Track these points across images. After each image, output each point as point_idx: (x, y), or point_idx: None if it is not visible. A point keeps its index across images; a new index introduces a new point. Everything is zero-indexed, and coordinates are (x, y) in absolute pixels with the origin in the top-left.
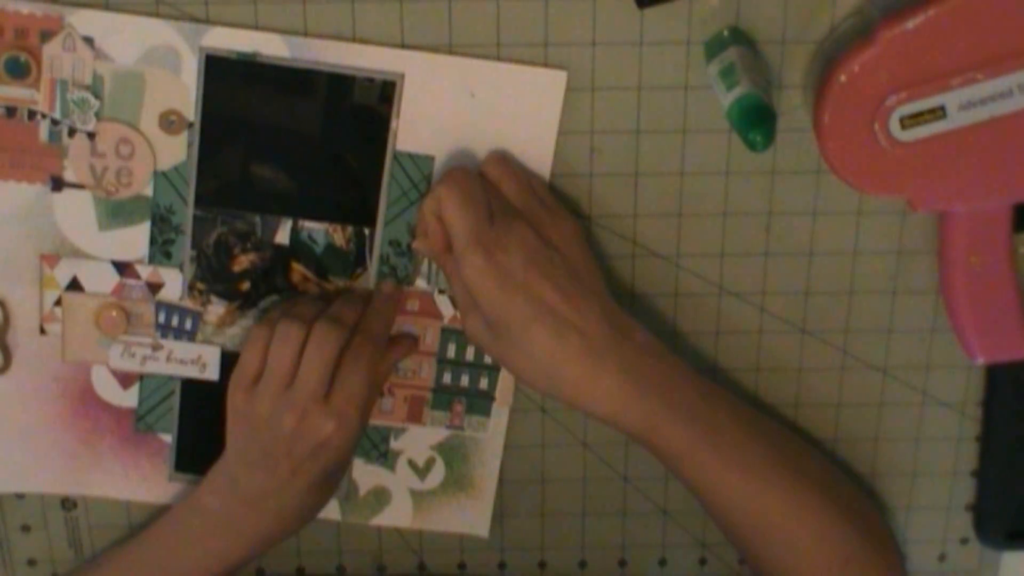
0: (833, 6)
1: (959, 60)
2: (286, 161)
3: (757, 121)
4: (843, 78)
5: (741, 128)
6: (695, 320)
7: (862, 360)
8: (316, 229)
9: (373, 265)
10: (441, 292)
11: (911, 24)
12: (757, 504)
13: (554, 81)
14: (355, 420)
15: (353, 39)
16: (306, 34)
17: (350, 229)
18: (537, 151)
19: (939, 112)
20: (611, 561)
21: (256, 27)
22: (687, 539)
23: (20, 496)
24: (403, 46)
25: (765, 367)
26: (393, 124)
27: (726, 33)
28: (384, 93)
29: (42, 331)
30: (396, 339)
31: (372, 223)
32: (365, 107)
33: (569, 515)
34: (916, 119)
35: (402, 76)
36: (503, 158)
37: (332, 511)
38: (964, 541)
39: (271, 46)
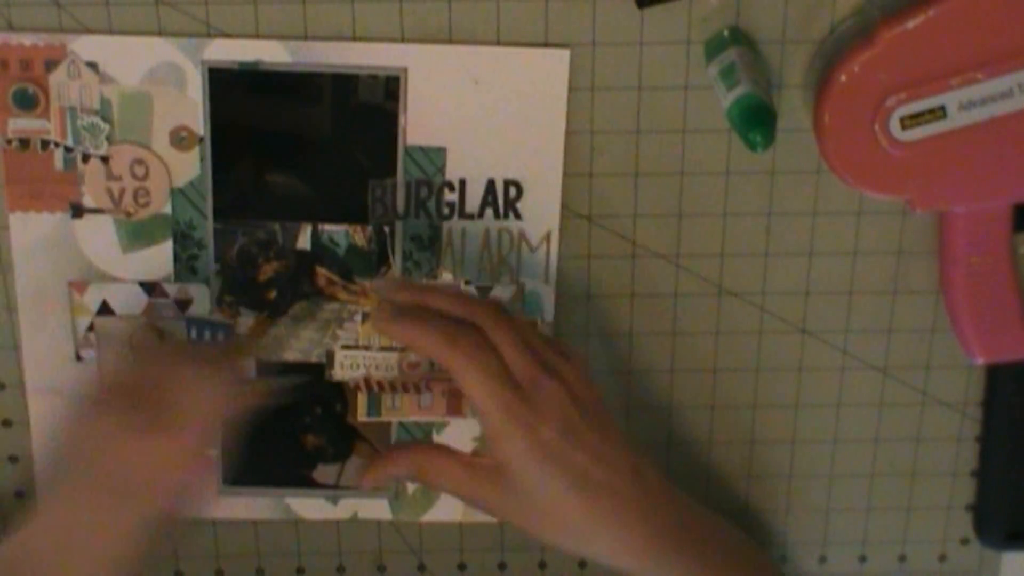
0: (833, 6)
1: (959, 60)
2: (299, 166)
3: (757, 121)
4: (843, 78)
5: (741, 128)
6: (695, 320)
7: (862, 360)
8: (336, 231)
9: (397, 262)
10: (467, 283)
11: (911, 24)
12: None
13: (557, 60)
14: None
15: (354, 41)
16: (307, 38)
17: (370, 228)
18: (548, 131)
19: (939, 112)
20: None
21: (257, 33)
22: None
23: (19, 495)
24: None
25: (765, 367)
26: (401, 119)
27: (726, 33)
28: (389, 89)
29: (78, 358)
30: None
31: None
32: (371, 105)
33: None
34: (916, 119)
35: (404, 70)
36: (496, 311)
37: (382, 511)
38: (964, 541)
39: (272, 53)
